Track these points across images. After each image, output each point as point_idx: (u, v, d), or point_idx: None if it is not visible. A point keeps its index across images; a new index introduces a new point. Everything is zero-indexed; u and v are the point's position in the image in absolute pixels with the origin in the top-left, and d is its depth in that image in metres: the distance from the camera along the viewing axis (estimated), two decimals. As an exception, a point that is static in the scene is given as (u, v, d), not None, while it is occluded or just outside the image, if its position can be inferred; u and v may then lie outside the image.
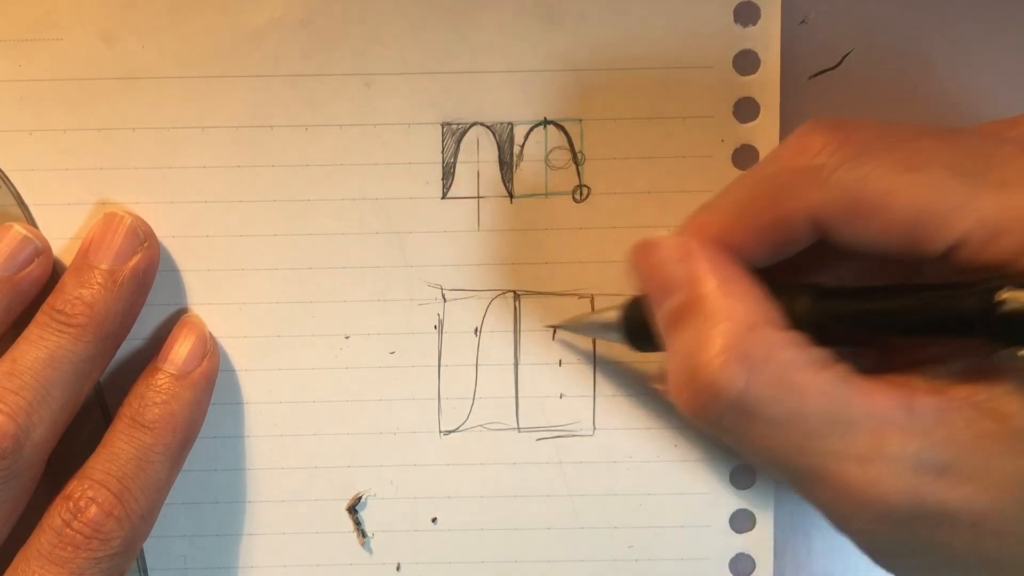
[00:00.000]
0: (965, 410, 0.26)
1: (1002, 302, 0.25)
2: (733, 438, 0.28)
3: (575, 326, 0.35)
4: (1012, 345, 0.25)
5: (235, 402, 0.35)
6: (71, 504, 0.31)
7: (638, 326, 0.31)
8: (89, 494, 0.32)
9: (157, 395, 0.33)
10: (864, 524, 0.27)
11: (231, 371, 0.35)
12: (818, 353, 0.27)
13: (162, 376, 0.33)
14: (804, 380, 0.26)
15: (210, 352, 0.34)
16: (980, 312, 0.25)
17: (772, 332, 0.27)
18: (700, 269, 0.28)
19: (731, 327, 0.27)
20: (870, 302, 0.28)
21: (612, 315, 0.33)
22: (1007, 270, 0.25)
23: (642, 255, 0.30)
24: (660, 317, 0.29)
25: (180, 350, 0.34)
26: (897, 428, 0.26)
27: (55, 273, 0.34)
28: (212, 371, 0.34)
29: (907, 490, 0.26)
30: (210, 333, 0.35)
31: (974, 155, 0.26)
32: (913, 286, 0.27)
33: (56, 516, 0.31)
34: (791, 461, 0.27)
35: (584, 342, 0.36)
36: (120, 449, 0.32)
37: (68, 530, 0.31)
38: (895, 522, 0.26)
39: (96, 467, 0.32)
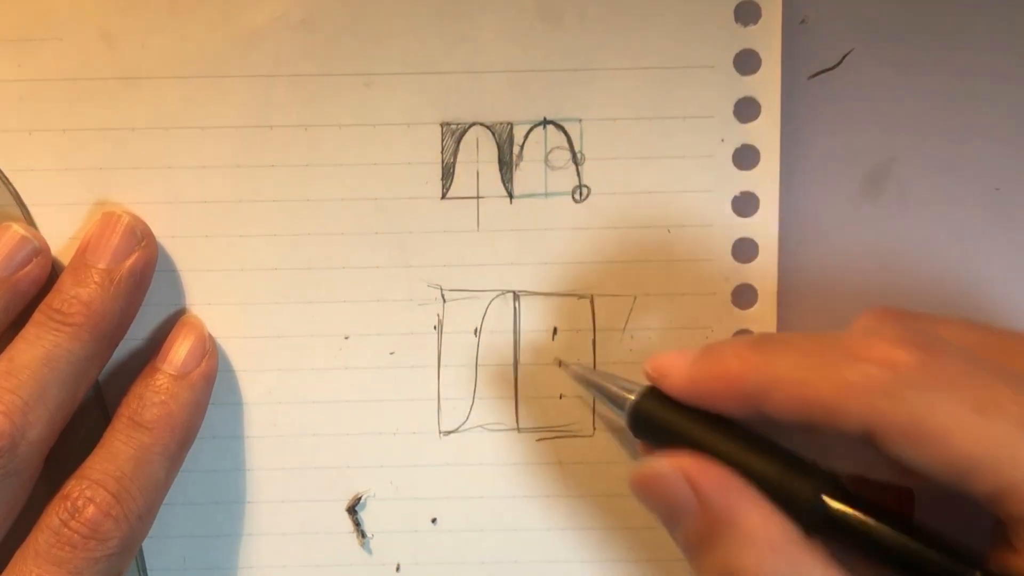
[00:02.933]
0: None
1: None
2: None
3: (584, 379, 0.34)
4: None
5: (235, 402, 0.35)
6: (69, 504, 0.31)
7: (645, 422, 0.31)
8: (87, 494, 0.32)
9: (156, 395, 0.33)
10: None
11: (231, 371, 0.35)
12: (836, 570, 0.27)
13: (161, 376, 0.33)
14: None
15: (209, 353, 0.34)
16: None
17: (794, 548, 0.28)
18: (709, 497, 0.29)
19: (756, 550, 0.28)
20: (875, 527, 0.28)
21: (623, 395, 0.32)
22: None
23: (644, 486, 0.30)
24: (678, 539, 0.30)
25: (179, 351, 0.34)
26: None
27: (54, 273, 0.34)
28: (211, 372, 0.34)
29: None
30: (209, 334, 0.35)
31: None
32: (919, 529, 0.28)
33: (54, 516, 0.31)
34: None
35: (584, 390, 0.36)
36: (118, 449, 0.32)
37: (66, 530, 0.31)
38: None
39: (94, 467, 0.32)
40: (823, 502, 0.28)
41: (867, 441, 0.27)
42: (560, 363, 0.35)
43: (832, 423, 0.27)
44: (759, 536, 0.28)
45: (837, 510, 0.28)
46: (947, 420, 0.26)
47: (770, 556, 0.28)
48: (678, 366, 0.30)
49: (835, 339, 0.29)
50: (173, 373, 0.34)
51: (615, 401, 0.32)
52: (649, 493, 0.30)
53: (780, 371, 0.28)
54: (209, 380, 0.34)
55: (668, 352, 0.31)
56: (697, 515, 0.29)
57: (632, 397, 0.31)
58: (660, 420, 0.30)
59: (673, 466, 0.29)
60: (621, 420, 0.32)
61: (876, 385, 0.27)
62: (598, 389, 0.33)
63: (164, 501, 0.34)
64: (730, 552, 0.28)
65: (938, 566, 0.27)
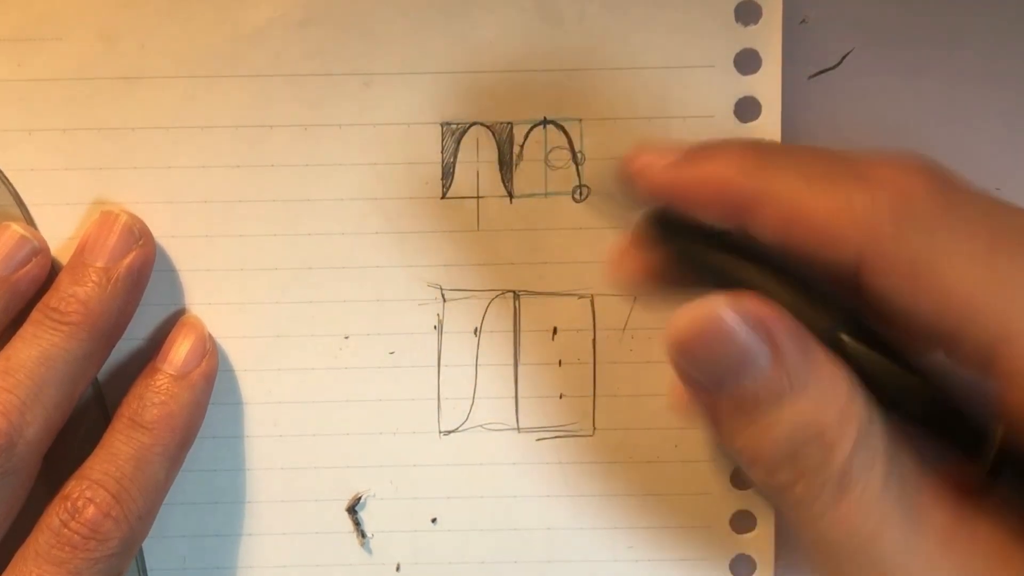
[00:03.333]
0: None
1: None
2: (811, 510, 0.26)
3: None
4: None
5: (235, 402, 0.35)
6: (69, 504, 0.31)
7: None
8: (87, 494, 0.32)
9: (156, 396, 0.33)
10: None
11: (231, 371, 0.35)
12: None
13: (161, 376, 0.33)
14: (898, 453, 0.25)
15: (209, 353, 0.34)
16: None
17: (867, 401, 0.25)
18: (786, 343, 0.25)
19: (840, 399, 0.25)
20: (893, 372, 0.26)
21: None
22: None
23: (702, 335, 0.25)
24: (730, 399, 0.26)
25: (179, 351, 0.34)
26: None
27: (53, 272, 0.34)
28: (211, 372, 0.34)
29: None
30: (209, 334, 0.35)
31: None
32: (939, 378, 0.26)
33: (54, 516, 0.31)
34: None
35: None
36: (118, 449, 0.32)
37: (66, 530, 0.31)
38: None
39: (94, 467, 0.32)
40: (840, 338, 0.26)
41: (854, 275, 0.25)
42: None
43: (824, 249, 0.25)
44: (841, 386, 0.25)
45: (853, 349, 0.25)
46: (952, 259, 0.24)
47: (853, 404, 0.25)
48: (659, 162, 0.27)
49: (844, 156, 0.26)
50: (173, 373, 0.34)
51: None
52: (710, 343, 0.25)
53: (777, 182, 0.26)
54: (209, 380, 0.34)
55: (653, 144, 0.28)
56: (772, 365, 0.25)
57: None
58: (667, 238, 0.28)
59: (739, 309, 0.25)
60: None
61: (882, 211, 0.24)
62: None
63: (164, 501, 0.34)
64: (813, 401, 0.25)
65: (956, 421, 0.25)
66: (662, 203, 0.28)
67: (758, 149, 0.27)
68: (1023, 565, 0.25)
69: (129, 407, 0.33)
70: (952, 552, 0.25)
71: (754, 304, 0.25)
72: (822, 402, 0.25)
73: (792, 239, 0.25)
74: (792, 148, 0.28)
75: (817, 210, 0.25)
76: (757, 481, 0.27)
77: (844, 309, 0.26)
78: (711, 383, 0.26)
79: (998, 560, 0.25)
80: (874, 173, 0.25)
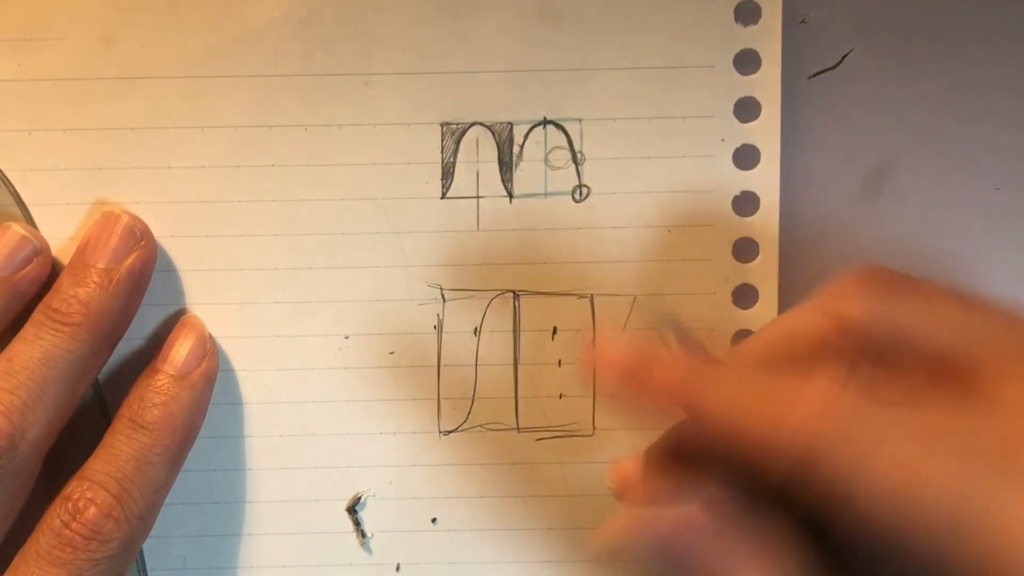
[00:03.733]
0: None
1: None
2: None
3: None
4: None
5: (235, 402, 0.35)
6: (70, 505, 0.31)
7: None
8: (88, 495, 0.32)
9: (156, 396, 0.33)
10: None
11: (231, 371, 0.35)
12: None
13: (162, 377, 0.33)
14: None
15: (210, 353, 0.34)
16: None
17: None
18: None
19: None
20: None
21: None
22: None
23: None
24: None
25: (180, 351, 0.34)
26: None
27: (54, 273, 0.34)
28: (212, 372, 0.34)
29: None
30: (210, 334, 0.35)
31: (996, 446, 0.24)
32: None
33: (55, 517, 0.31)
34: None
35: None
36: (119, 450, 0.32)
37: (67, 531, 0.31)
38: None
39: (95, 468, 0.32)
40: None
41: (793, 484, 0.25)
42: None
43: (764, 458, 0.25)
44: None
45: None
46: (892, 464, 0.24)
47: None
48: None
49: (775, 378, 0.26)
50: (174, 374, 0.34)
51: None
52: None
53: (718, 392, 0.26)
54: (210, 380, 0.34)
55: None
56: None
57: None
58: None
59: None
60: None
61: (804, 438, 0.24)
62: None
63: (164, 501, 0.34)
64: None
65: None
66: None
67: (693, 369, 0.27)
68: None
69: (130, 408, 0.33)
70: None
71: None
72: None
73: (732, 451, 0.26)
74: (725, 365, 0.28)
75: (749, 433, 0.25)
76: None
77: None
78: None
79: None
80: (801, 395, 0.25)
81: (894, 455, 0.24)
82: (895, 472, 0.23)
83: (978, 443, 0.24)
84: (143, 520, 0.32)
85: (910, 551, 0.24)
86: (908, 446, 0.24)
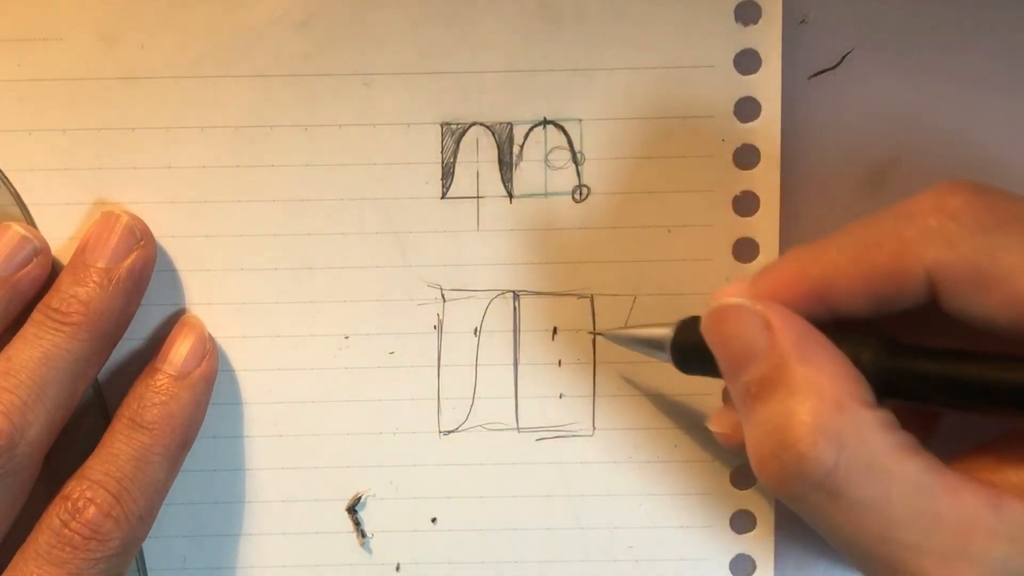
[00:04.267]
0: None
1: None
2: (814, 516, 0.27)
3: (620, 337, 0.34)
4: None
5: (235, 402, 0.35)
6: (69, 505, 0.31)
7: (689, 348, 0.31)
8: (88, 495, 0.32)
9: (156, 396, 0.33)
10: None
11: (231, 371, 0.35)
12: (905, 437, 0.27)
13: (161, 377, 0.33)
14: (893, 466, 0.26)
15: (209, 353, 0.34)
16: None
17: (862, 411, 0.27)
18: (783, 340, 0.27)
19: (820, 405, 0.26)
20: (956, 366, 0.27)
21: (662, 332, 0.32)
22: None
23: (717, 321, 0.29)
24: (737, 387, 0.28)
25: (179, 351, 0.34)
26: (983, 530, 0.25)
27: (54, 273, 0.34)
28: (211, 372, 0.34)
29: None
30: (209, 334, 0.35)
31: None
32: (1003, 356, 0.26)
33: (54, 516, 0.31)
34: (871, 548, 0.26)
35: (622, 350, 0.35)
36: (119, 450, 0.32)
37: (66, 530, 0.31)
38: None
39: (95, 468, 0.32)
40: (888, 360, 0.27)
41: (933, 301, 0.26)
42: (594, 334, 0.35)
43: (897, 288, 0.27)
44: (827, 393, 0.26)
45: (905, 364, 0.27)
46: (1014, 260, 0.25)
47: (834, 415, 0.26)
48: (738, 288, 0.30)
49: (885, 210, 0.28)
50: (173, 374, 0.34)
51: (655, 343, 0.32)
52: (721, 328, 0.29)
53: (838, 256, 0.28)
54: (209, 381, 0.34)
55: (724, 287, 0.31)
56: (766, 357, 0.27)
57: (670, 330, 0.31)
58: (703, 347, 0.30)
59: (754, 304, 0.28)
60: (663, 358, 0.32)
61: (935, 234, 0.26)
62: (633, 340, 0.33)
63: (164, 501, 0.34)
64: (791, 401, 0.27)
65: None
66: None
67: (810, 244, 0.29)
68: None
69: (129, 407, 0.33)
70: None
71: (770, 305, 0.28)
72: (803, 410, 0.26)
73: (872, 295, 0.27)
74: (840, 229, 0.29)
75: (880, 260, 0.27)
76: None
77: (885, 338, 0.28)
78: (727, 370, 0.29)
79: None
80: (914, 208, 0.27)
81: (1014, 251, 0.25)
82: (1015, 267, 0.25)
83: None
84: (143, 520, 0.32)
85: None
86: None
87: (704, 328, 0.30)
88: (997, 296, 0.26)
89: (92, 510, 0.31)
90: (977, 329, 0.27)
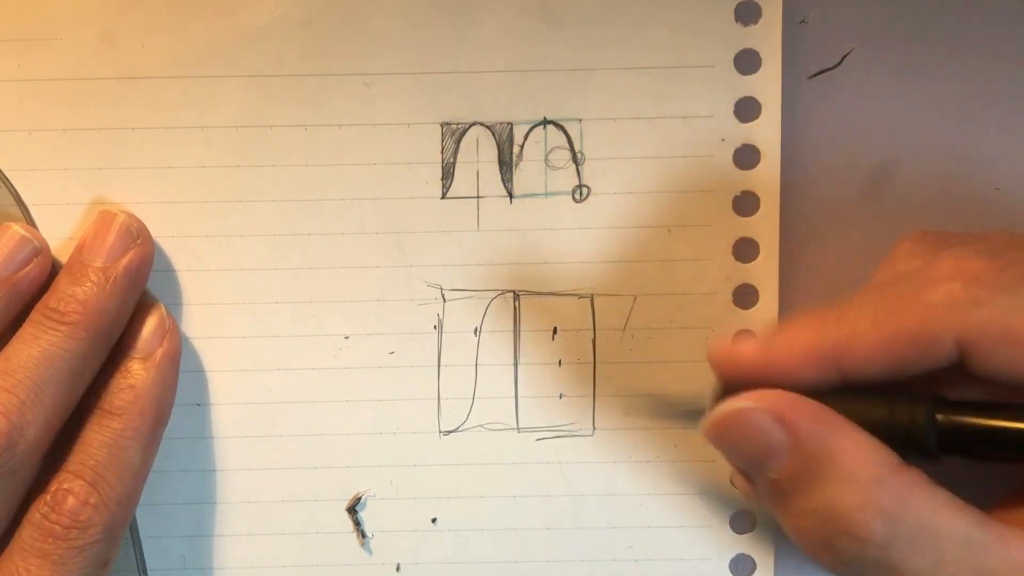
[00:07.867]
0: None
1: None
2: None
3: (656, 410, 0.34)
4: None
5: (235, 402, 0.35)
6: (48, 497, 0.32)
7: None
8: (64, 485, 0.32)
9: (122, 380, 0.33)
10: None
11: (231, 371, 0.35)
12: (943, 492, 0.27)
13: (124, 361, 0.33)
14: (940, 526, 0.26)
15: (170, 331, 0.34)
16: None
17: (898, 477, 0.27)
18: (802, 430, 0.27)
19: (859, 484, 0.27)
20: (1004, 418, 0.27)
21: (701, 406, 0.31)
22: None
23: (725, 429, 0.29)
24: (764, 482, 0.28)
25: (139, 334, 0.34)
26: None
27: (54, 273, 0.34)
28: (174, 350, 0.34)
29: None
30: (168, 312, 0.35)
31: None
32: None
33: (35, 511, 0.32)
34: None
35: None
36: (91, 438, 0.33)
37: (46, 522, 0.31)
38: None
39: (70, 459, 0.32)
40: (937, 419, 0.27)
41: (960, 361, 0.26)
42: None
43: (922, 351, 0.27)
44: (862, 471, 0.27)
45: (959, 421, 0.27)
46: None
47: (875, 490, 0.27)
48: (746, 351, 0.29)
49: (900, 276, 0.28)
50: (136, 357, 0.34)
51: (693, 415, 0.31)
52: (732, 434, 0.29)
53: (857, 322, 0.28)
54: (174, 359, 0.34)
55: (727, 340, 0.30)
56: (790, 454, 0.27)
57: (706, 408, 0.30)
58: None
59: (760, 401, 0.28)
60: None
61: (962, 298, 0.26)
62: (672, 414, 0.34)
63: (164, 501, 0.34)
64: (832, 491, 0.27)
65: None
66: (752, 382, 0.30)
67: (826, 309, 0.29)
68: None
69: (96, 395, 0.33)
70: None
71: (777, 398, 0.28)
72: (846, 494, 0.27)
73: (892, 359, 0.27)
74: (852, 295, 0.29)
75: (904, 323, 0.27)
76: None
77: (931, 395, 0.28)
78: (748, 469, 0.29)
79: None
80: (936, 273, 0.27)
81: None
82: None
83: None
84: (121, 505, 0.32)
85: None
86: None
87: (711, 436, 0.29)
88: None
89: (70, 500, 0.32)
90: (1000, 385, 0.27)
